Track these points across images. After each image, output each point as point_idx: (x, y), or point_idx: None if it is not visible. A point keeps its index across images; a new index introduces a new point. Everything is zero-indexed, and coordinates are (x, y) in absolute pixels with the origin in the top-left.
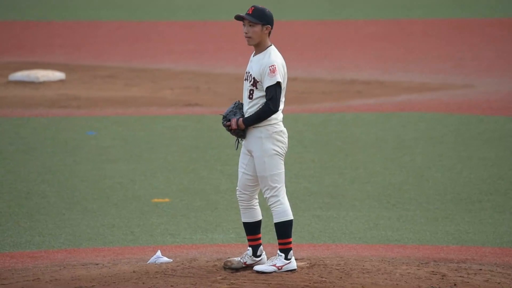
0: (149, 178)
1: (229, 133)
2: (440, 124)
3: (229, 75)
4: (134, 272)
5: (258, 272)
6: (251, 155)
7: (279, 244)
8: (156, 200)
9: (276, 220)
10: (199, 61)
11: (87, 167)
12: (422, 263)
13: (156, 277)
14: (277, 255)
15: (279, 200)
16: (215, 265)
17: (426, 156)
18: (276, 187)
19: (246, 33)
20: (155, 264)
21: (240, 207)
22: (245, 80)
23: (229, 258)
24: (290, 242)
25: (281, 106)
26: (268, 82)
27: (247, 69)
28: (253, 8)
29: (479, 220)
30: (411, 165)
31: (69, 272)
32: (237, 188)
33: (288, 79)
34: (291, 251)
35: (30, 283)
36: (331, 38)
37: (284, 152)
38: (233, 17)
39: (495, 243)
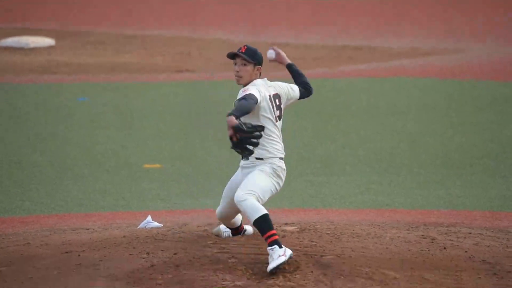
0: (140, 145)
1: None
2: (432, 89)
3: (221, 40)
4: (124, 237)
5: (272, 271)
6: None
7: (265, 239)
8: (147, 165)
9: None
10: (191, 27)
11: (79, 133)
12: (412, 227)
13: (147, 242)
14: (270, 250)
15: (247, 199)
16: (206, 230)
17: (418, 122)
18: (254, 192)
19: (237, 71)
20: (146, 229)
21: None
22: None
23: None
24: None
25: (282, 145)
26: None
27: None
28: (245, 47)
29: (470, 184)
30: (403, 131)
31: (60, 237)
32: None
33: (280, 45)
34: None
35: (21, 248)
36: (322, 4)
37: (279, 189)
38: (225, 55)
39: (485, 207)
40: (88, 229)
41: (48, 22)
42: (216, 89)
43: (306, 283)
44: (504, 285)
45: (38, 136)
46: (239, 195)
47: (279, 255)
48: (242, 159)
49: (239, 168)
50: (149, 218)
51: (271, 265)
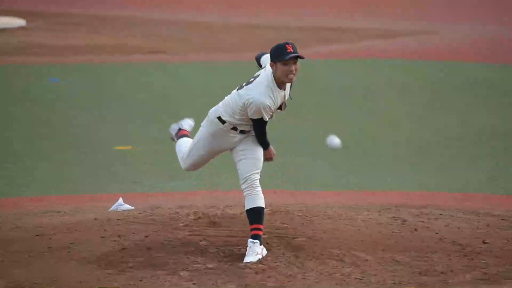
0: (113, 126)
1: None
2: (406, 70)
3: (193, 22)
4: (96, 219)
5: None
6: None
7: (252, 229)
8: (119, 147)
9: (257, 205)
10: (165, 9)
11: (50, 115)
12: (383, 209)
13: (118, 225)
14: (251, 243)
15: None
16: (177, 212)
17: (392, 103)
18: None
19: (292, 70)
20: (117, 211)
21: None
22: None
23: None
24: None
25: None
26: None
27: (273, 106)
28: (291, 45)
29: (445, 167)
30: (377, 112)
31: (32, 219)
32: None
33: (255, 26)
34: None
35: None
36: None
37: None
38: (291, 56)
39: (460, 189)
40: (59, 212)
41: (19, 2)
42: (188, 71)
43: (278, 265)
44: (474, 266)
45: (9, 116)
46: (254, 178)
47: (257, 253)
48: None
49: (220, 130)
50: (120, 200)
51: (248, 259)
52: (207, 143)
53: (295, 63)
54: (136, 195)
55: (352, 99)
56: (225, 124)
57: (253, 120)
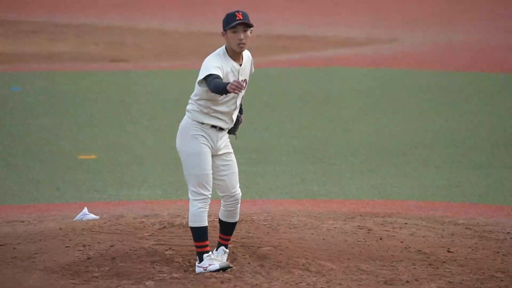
0: (74, 134)
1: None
2: (366, 78)
3: (155, 30)
4: (60, 229)
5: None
6: (222, 155)
7: (226, 240)
8: (82, 156)
9: (236, 219)
10: (124, 16)
11: (12, 122)
12: (348, 218)
13: (83, 234)
14: (223, 251)
15: None
16: (142, 221)
17: (352, 110)
18: None
19: (242, 39)
20: (82, 221)
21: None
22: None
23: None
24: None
25: None
26: (252, 70)
27: (239, 79)
28: (240, 12)
29: (404, 174)
30: (337, 119)
31: None
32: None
33: (214, 34)
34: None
35: None
36: None
37: None
38: (238, 22)
39: (419, 197)
40: (23, 222)
41: None
42: (149, 78)
43: (243, 275)
44: (439, 275)
45: None
46: (239, 192)
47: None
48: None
49: (208, 137)
50: (85, 210)
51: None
52: (196, 158)
53: (244, 31)
54: (100, 204)
55: (310, 106)
56: (194, 121)
57: (206, 81)
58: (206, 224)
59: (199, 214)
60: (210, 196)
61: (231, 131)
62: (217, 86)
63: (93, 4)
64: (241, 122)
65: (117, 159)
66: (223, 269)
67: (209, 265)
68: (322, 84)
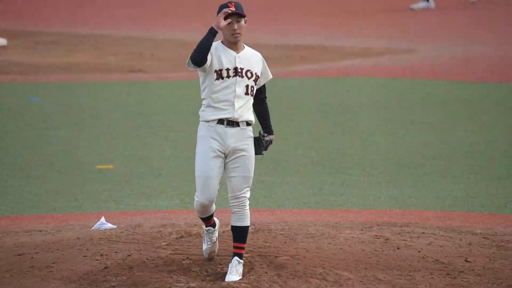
0: (92, 145)
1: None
2: (383, 88)
3: (173, 40)
4: (78, 238)
5: (229, 282)
6: (234, 156)
7: (239, 248)
8: (100, 166)
9: (245, 224)
10: (143, 27)
11: (30, 133)
12: (365, 227)
13: (100, 243)
14: (237, 262)
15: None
16: (160, 231)
17: (370, 121)
18: (250, 187)
19: (236, 29)
20: (99, 230)
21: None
22: (237, 76)
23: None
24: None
25: None
26: (268, 76)
27: (236, 65)
28: (233, 3)
29: (422, 185)
30: (355, 130)
31: (12, 239)
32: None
33: None
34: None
35: None
36: (275, 2)
37: None
38: (228, 15)
39: (437, 207)
40: (41, 231)
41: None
42: (167, 89)
43: (261, 284)
44: (457, 285)
45: None
46: (246, 200)
47: (240, 273)
48: (226, 125)
49: (216, 134)
50: (102, 219)
51: (231, 278)
52: (207, 155)
53: (238, 21)
54: (118, 214)
55: (328, 117)
56: (203, 122)
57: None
58: (207, 215)
59: (197, 208)
60: (203, 200)
61: (257, 151)
62: (200, 41)
63: (112, 15)
64: (270, 143)
65: (135, 170)
66: (207, 256)
67: (205, 241)
68: (340, 94)
